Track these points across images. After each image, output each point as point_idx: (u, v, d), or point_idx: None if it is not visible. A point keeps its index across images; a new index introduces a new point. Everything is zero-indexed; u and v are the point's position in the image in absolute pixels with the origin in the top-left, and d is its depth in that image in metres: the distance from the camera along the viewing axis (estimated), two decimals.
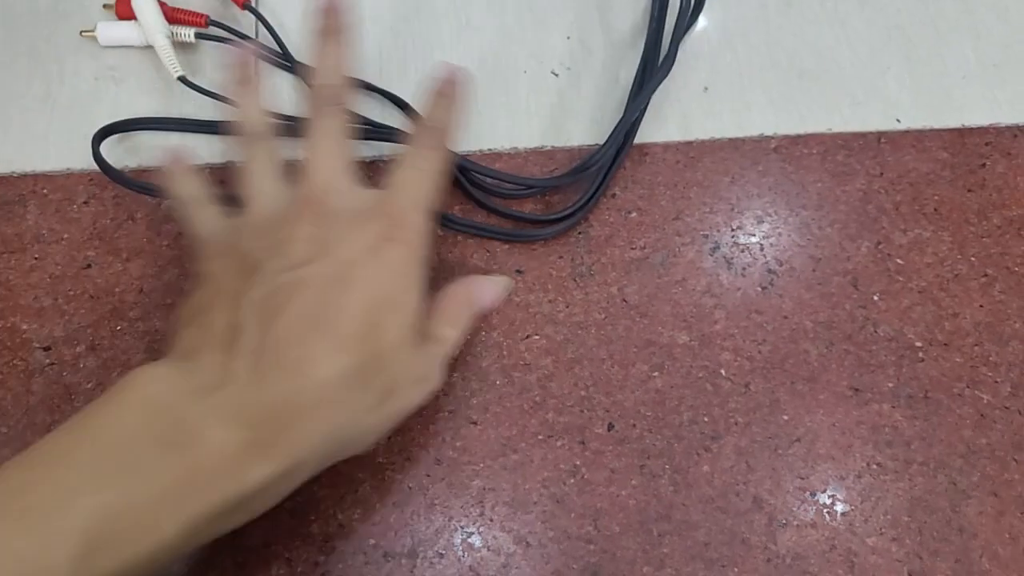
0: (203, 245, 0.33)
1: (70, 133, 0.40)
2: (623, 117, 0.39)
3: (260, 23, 0.41)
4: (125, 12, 0.40)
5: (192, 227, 0.34)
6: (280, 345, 0.28)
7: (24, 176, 0.39)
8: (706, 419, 0.37)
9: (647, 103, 0.40)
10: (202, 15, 0.41)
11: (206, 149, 0.40)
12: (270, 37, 0.41)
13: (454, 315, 0.34)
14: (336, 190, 0.31)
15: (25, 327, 0.36)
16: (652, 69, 0.41)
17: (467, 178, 0.39)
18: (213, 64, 0.41)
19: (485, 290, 0.36)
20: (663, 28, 0.42)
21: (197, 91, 0.39)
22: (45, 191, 0.39)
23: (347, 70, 0.34)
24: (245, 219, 0.32)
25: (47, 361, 0.36)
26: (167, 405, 0.26)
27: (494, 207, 0.39)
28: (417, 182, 0.32)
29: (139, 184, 0.37)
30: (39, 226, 0.38)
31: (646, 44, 0.42)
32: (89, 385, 0.36)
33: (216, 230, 0.33)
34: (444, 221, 0.39)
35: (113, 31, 0.41)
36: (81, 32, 0.41)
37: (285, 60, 0.41)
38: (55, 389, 0.35)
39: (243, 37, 0.41)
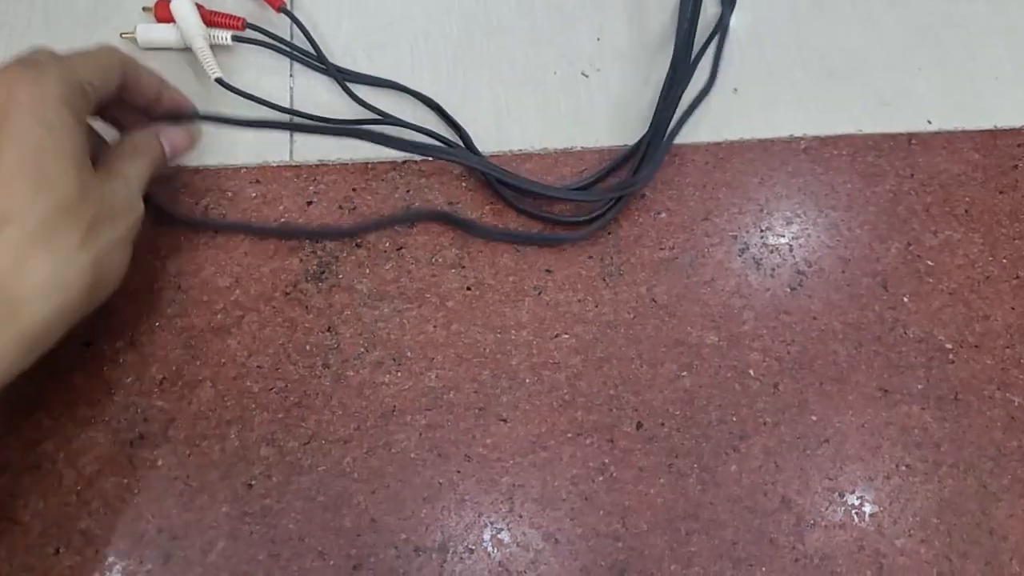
0: None
1: (111, 135, 0.40)
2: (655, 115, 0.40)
3: (295, 25, 0.42)
4: (164, 15, 0.41)
5: None
6: None
7: None
8: (734, 418, 0.37)
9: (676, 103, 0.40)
10: (239, 18, 0.41)
11: (241, 147, 0.40)
12: (305, 39, 0.42)
13: (134, 154, 0.34)
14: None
15: None
16: (682, 71, 0.41)
17: (498, 180, 0.39)
18: (249, 66, 0.42)
19: (173, 136, 0.36)
20: (694, 31, 0.42)
21: (233, 92, 0.40)
22: None
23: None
24: None
25: (88, 355, 0.37)
26: None
27: (524, 208, 0.40)
28: (87, 61, 0.32)
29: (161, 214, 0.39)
30: None
31: (676, 47, 0.42)
32: (129, 379, 0.36)
33: None
34: (474, 229, 0.39)
35: (152, 33, 0.41)
36: (121, 34, 0.42)
37: (319, 62, 0.42)
38: (95, 383, 0.36)
39: (279, 40, 0.42)
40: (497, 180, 0.39)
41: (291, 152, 0.41)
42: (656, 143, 0.40)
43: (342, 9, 0.44)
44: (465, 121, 0.41)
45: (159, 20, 0.41)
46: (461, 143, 0.41)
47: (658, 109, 0.41)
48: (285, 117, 0.41)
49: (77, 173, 0.30)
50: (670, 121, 0.41)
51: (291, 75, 0.42)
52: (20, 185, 0.29)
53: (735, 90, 0.43)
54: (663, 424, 0.37)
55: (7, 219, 0.28)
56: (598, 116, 0.42)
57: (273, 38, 0.42)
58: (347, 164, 0.41)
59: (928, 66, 0.44)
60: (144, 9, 0.42)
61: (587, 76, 0.43)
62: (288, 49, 0.42)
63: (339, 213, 0.40)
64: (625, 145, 0.42)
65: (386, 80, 0.42)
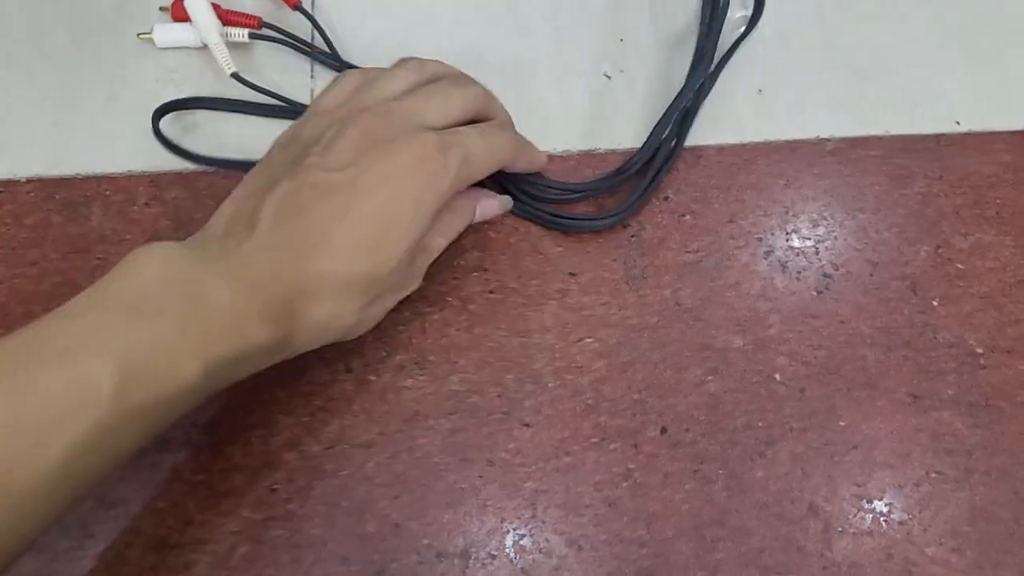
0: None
1: (132, 135, 0.40)
2: (662, 117, 0.39)
3: (312, 25, 0.42)
4: (180, 14, 0.41)
5: None
6: (292, 238, 0.30)
7: (88, 178, 0.40)
8: (761, 424, 0.36)
9: (687, 103, 0.40)
10: (255, 17, 0.41)
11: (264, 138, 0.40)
12: (321, 39, 0.42)
13: (448, 225, 0.35)
14: (404, 116, 0.32)
15: None
16: (703, 72, 0.41)
17: (515, 186, 0.39)
18: (266, 63, 0.42)
19: (487, 206, 0.37)
20: (717, 32, 0.42)
21: (250, 87, 0.40)
22: (108, 192, 0.40)
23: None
24: (314, 108, 0.34)
25: None
26: (179, 267, 0.28)
27: (543, 212, 0.39)
28: (476, 141, 0.33)
29: (197, 156, 0.40)
30: (102, 227, 0.39)
31: (697, 48, 0.42)
32: None
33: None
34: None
35: (169, 33, 0.41)
36: (138, 34, 0.42)
37: (335, 60, 0.41)
38: None
39: (295, 39, 0.41)
40: (512, 183, 0.39)
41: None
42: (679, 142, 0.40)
43: (364, 8, 0.44)
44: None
45: (175, 19, 0.41)
46: None
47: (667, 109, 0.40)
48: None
49: (405, 255, 0.31)
50: (684, 119, 0.40)
51: (312, 75, 0.42)
52: (368, 230, 0.30)
53: (760, 91, 0.42)
54: (688, 429, 0.36)
55: (332, 246, 0.30)
56: (621, 117, 0.42)
57: (290, 36, 0.41)
58: None
59: (957, 66, 0.43)
60: (161, 9, 0.42)
61: (610, 77, 0.43)
62: (305, 48, 0.42)
63: None
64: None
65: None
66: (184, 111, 0.41)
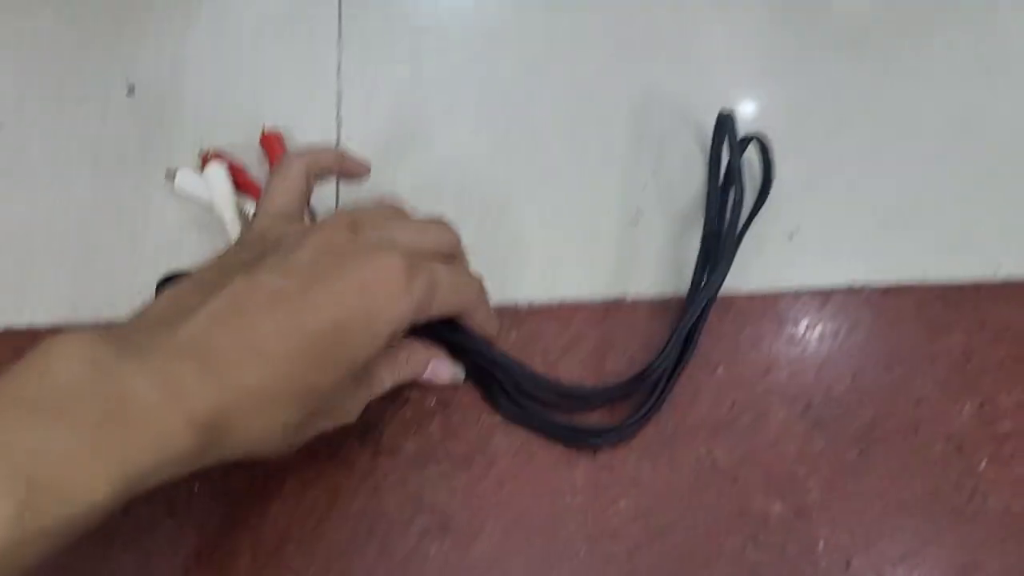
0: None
1: (154, 279, 0.40)
2: (679, 327, 0.37)
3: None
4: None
5: None
6: (229, 341, 0.27)
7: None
8: None
9: (704, 309, 0.38)
10: None
11: None
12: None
13: (399, 366, 0.34)
14: (370, 234, 0.31)
15: None
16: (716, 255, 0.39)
17: (516, 387, 0.37)
18: None
19: (440, 367, 0.36)
20: (724, 212, 0.41)
21: None
22: None
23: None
24: (289, 221, 0.33)
25: (125, 524, 0.35)
26: (98, 362, 0.26)
27: (539, 417, 0.37)
28: (446, 275, 0.32)
29: None
30: None
31: (706, 222, 0.41)
32: (165, 550, 0.35)
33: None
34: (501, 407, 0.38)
35: (189, 183, 0.41)
36: (166, 172, 0.41)
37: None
38: (132, 554, 0.35)
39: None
40: (510, 382, 0.37)
41: None
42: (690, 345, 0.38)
43: (389, 150, 0.43)
44: (513, 268, 0.40)
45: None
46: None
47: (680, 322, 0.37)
48: None
49: (347, 378, 0.30)
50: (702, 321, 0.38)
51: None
52: (313, 342, 0.28)
53: (790, 236, 0.42)
54: None
55: (271, 358, 0.28)
56: (649, 262, 0.41)
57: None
58: None
59: (992, 210, 0.42)
60: (199, 154, 0.42)
61: (636, 222, 0.42)
62: None
63: None
64: (677, 295, 0.40)
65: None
66: None
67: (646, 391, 0.37)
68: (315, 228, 0.31)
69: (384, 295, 0.29)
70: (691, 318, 0.37)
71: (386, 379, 0.33)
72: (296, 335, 0.28)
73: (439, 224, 0.34)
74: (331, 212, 0.35)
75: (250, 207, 0.40)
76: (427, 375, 0.35)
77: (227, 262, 0.31)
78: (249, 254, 0.31)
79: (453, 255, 0.35)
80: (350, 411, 0.32)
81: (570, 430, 0.37)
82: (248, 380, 0.27)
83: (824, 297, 0.40)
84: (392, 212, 0.34)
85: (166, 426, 0.26)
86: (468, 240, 0.41)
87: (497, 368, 0.36)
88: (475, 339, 0.36)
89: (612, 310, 0.40)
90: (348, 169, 0.38)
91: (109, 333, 0.27)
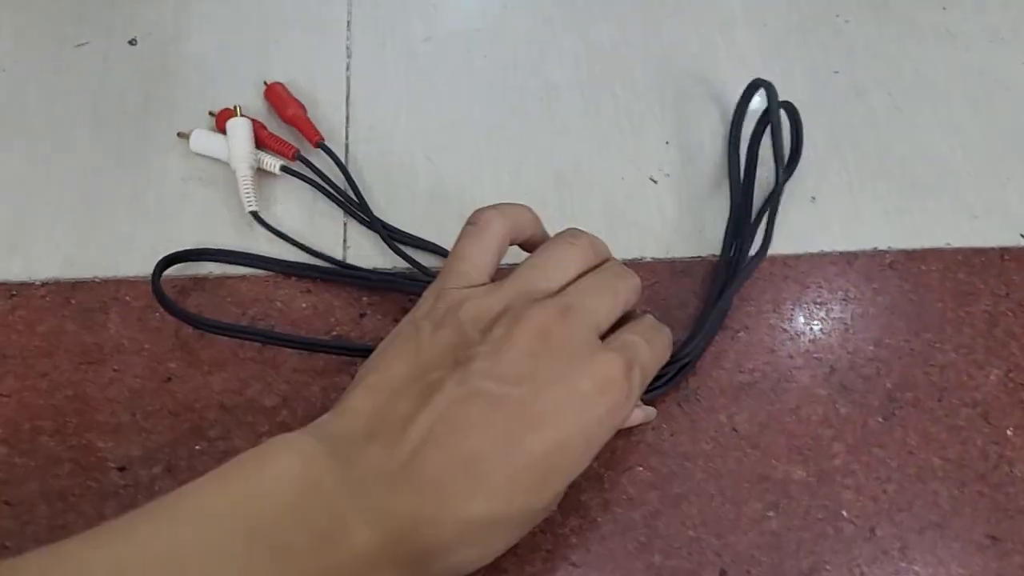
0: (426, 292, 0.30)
1: (155, 236, 0.38)
2: (709, 322, 0.36)
3: (335, 163, 0.40)
4: (223, 126, 0.39)
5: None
6: (443, 470, 0.25)
7: (107, 281, 0.38)
8: (828, 567, 0.33)
9: (729, 304, 0.37)
10: (292, 147, 0.39)
11: (293, 255, 0.38)
12: (343, 179, 0.40)
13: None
14: (580, 318, 0.28)
15: (101, 445, 0.34)
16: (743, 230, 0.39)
17: None
18: (288, 200, 0.40)
19: (634, 416, 0.34)
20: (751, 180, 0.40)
21: (266, 228, 0.38)
22: (128, 298, 0.37)
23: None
24: (486, 291, 0.29)
25: (122, 483, 0.34)
26: (321, 489, 0.24)
27: None
28: (646, 352, 0.30)
29: (197, 320, 0.36)
30: (120, 335, 0.36)
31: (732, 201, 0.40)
32: None
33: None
34: None
35: (205, 141, 0.39)
36: (178, 133, 0.40)
37: (363, 212, 0.39)
38: None
39: (324, 181, 0.39)
40: None
41: (344, 257, 0.38)
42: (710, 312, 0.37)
43: (400, 106, 0.42)
44: None
45: (219, 129, 0.40)
46: None
47: (711, 313, 0.37)
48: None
49: (562, 492, 0.28)
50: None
51: (344, 224, 0.40)
52: (532, 464, 0.26)
53: (813, 199, 0.41)
54: (749, 572, 0.33)
55: (487, 484, 0.26)
56: (669, 224, 0.40)
57: (318, 175, 0.39)
58: (404, 272, 0.38)
59: (1018, 176, 0.41)
60: (210, 113, 0.40)
61: (656, 182, 0.41)
62: (332, 192, 0.39)
63: (394, 327, 0.37)
64: (697, 256, 0.39)
65: (432, 244, 0.39)
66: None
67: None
68: (525, 315, 0.28)
69: (605, 407, 0.27)
70: (726, 300, 0.36)
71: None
72: (519, 457, 0.26)
73: (623, 277, 0.31)
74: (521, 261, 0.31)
75: (267, 161, 0.39)
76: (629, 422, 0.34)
77: (424, 347, 0.28)
78: (449, 340, 0.28)
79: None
80: (547, 514, 0.30)
81: None
82: (467, 512, 0.25)
83: (848, 261, 0.39)
84: (584, 255, 0.31)
85: (375, 565, 0.24)
86: (483, 200, 0.40)
87: None
88: None
89: (632, 269, 0.39)
90: (540, 239, 0.34)
91: (328, 445, 0.25)
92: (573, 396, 0.27)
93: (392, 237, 0.38)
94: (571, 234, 0.32)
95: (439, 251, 0.38)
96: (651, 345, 0.30)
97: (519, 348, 0.27)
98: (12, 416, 0.35)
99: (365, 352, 0.36)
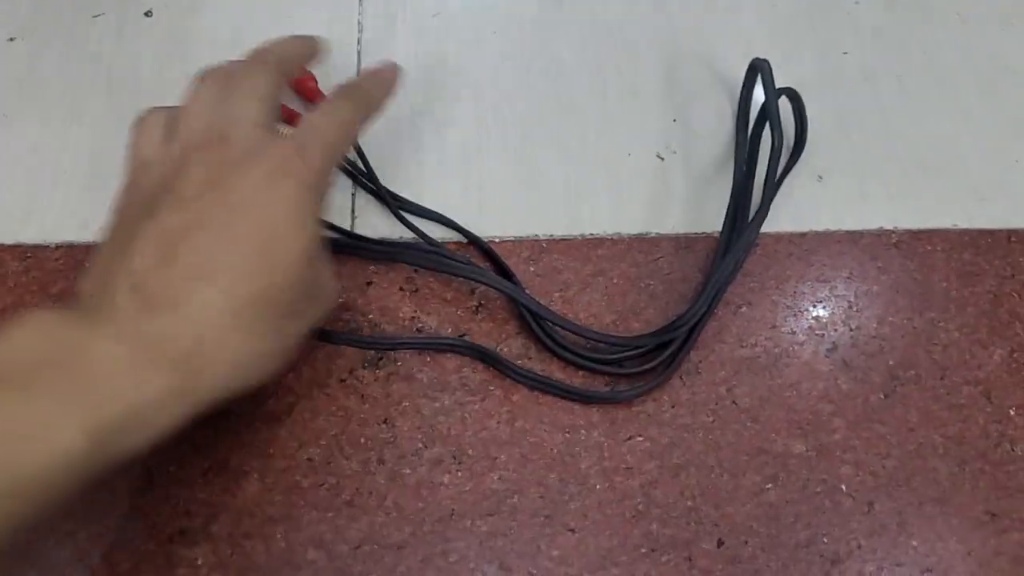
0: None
1: None
2: (712, 279, 0.36)
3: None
4: None
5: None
6: (170, 288, 0.27)
7: None
8: (825, 540, 0.34)
9: (733, 268, 0.37)
10: (297, 114, 0.40)
11: None
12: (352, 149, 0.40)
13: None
14: (237, 131, 0.30)
15: None
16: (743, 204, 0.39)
17: (540, 327, 0.36)
18: None
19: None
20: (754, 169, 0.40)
21: None
22: None
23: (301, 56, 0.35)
24: (136, 162, 0.32)
25: None
26: (54, 332, 0.26)
27: (565, 357, 0.36)
28: (324, 126, 0.31)
29: None
30: None
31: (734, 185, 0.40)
32: (171, 468, 0.34)
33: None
34: (513, 373, 0.36)
35: None
36: None
37: (370, 182, 0.39)
38: (135, 471, 0.34)
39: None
40: (538, 324, 0.36)
41: (352, 227, 0.39)
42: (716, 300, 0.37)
43: (409, 80, 0.42)
44: (535, 201, 0.39)
45: None
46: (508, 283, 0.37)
47: (716, 269, 0.37)
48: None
49: (301, 263, 0.29)
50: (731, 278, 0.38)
51: (353, 193, 0.40)
52: (245, 251, 0.28)
53: (820, 178, 0.41)
54: (747, 542, 0.33)
55: (212, 278, 0.27)
56: (674, 200, 0.40)
57: None
58: (410, 243, 0.39)
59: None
60: None
61: (662, 159, 0.41)
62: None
63: (400, 295, 0.38)
64: (703, 233, 0.39)
65: (438, 214, 0.39)
66: None
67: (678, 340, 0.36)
68: (184, 156, 0.30)
69: (291, 180, 0.29)
70: (726, 270, 0.36)
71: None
72: (228, 243, 0.28)
73: (254, 70, 0.32)
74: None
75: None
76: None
77: (122, 230, 0.30)
78: (139, 211, 0.30)
79: (314, 55, 0.34)
80: (327, 294, 0.32)
81: (596, 371, 0.36)
82: (199, 303, 0.27)
83: (853, 240, 0.39)
84: (214, 85, 0.32)
85: (132, 370, 0.26)
86: (489, 173, 0.40)
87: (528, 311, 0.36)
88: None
89: (634, 246, 0.39)
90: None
91: (65, 310, 0.27)
92: (256, 179, 0.28)
93: (400, 207, 0.39)
94: (196, 78, 0.33)
95: (445, 222, 0.39)
96: (328, 115, 0.31)
97: (193, 177, 0.29)
98: None
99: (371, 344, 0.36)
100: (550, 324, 0.36)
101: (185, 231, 0.28)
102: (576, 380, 0.36)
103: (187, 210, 0.28)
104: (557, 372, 0.36)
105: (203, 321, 0.27)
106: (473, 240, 0.38)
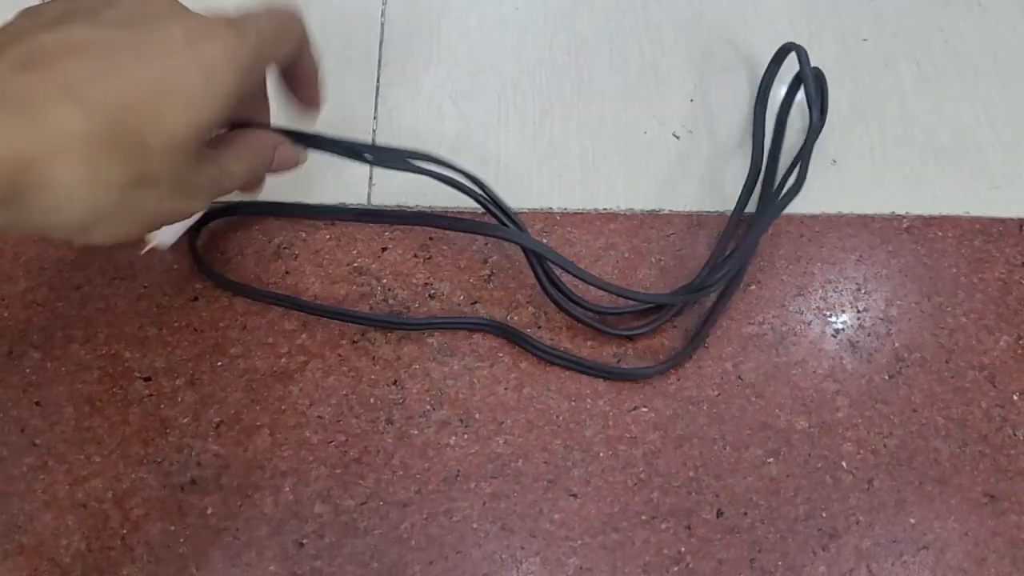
0: None
1: None
2: (740, 252, 0.37)
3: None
4: None
5: None
6: (34, 87, 0.24)
7: None
8: (824, 514, 0.34)
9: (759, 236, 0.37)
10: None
11: (319, 185, 0.39)
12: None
13: (247, 153, 0.31)
14: None
15: (128, 355, 0.36)
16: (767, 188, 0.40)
17: (561, 292, 0.36)
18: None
19: (286, 154, 0.32)
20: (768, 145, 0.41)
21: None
22: None
23: None
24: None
25: (146, 392, 0.35)
26: None
27: (575, 313, 0.37)
28: (262, 16, 0.28)
29: (231, 284, 0.37)
30: (151, 255, 0.38)
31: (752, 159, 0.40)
32: (185, 420, 0.35)
33: None
34: (533, 347, 0.36)
35: None
36: None
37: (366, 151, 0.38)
38: (151, 421, 0.35)
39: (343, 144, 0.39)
40: (558, 290, 0.36)
41: (369, 196, 0.40)
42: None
43: (431, 53, 0.43)
44: (550, 175, 0.40)
45: None
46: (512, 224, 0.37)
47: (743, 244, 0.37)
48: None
49: (190, 136, 0.26)
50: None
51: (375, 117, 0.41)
52: (129, 95, 0.25)
53: (834, 162, 0.41)
54: (746, 514, 0.34)
55: (82, 100, 0.24)
56: (688, 179, 0.40)
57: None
58: (425, 211, 0.39)
59: None
60: None
61: (678, 137, 0.41)
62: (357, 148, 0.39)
63: (413, 262, 0.38)
64: (715, 211, 0.40)
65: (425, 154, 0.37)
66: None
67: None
68: None
69: (218, 42, 0.26)
70: (750, 245, 0.37)
71: (234, 167, 0.30)
72: (120, 77, 0.25)
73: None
74: None
75: None
76: (276, 165, 0.32)
77: (19, 27, 0.27)
78: (52, 14, 0.27)
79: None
80: (193, 195, 0.28)
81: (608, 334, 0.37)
82: (60, 119, 0.24)
83: (864, 223, 0.40)
84: None
85: None
86: (507, 145, 0.41)
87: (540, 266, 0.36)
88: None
89: (647, 222, 0.39)
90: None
91: None
92: (182, 29, 0.26)
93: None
94: None
95: (462, 186, 0.39)
96: (271, 14, 0.29)
97: (122, 6, 0.26)
98: (45, 324, 0.36)
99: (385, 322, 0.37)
100: (559, 274, 0.36)
101: (84, 46, 0.25)
102: (584, 351, 0.37)
103: (95, 29, 0.25)
104: (565, 342, 0.37)
105: (55, 136, 0.24)
106: (487, 204, 0.38)
